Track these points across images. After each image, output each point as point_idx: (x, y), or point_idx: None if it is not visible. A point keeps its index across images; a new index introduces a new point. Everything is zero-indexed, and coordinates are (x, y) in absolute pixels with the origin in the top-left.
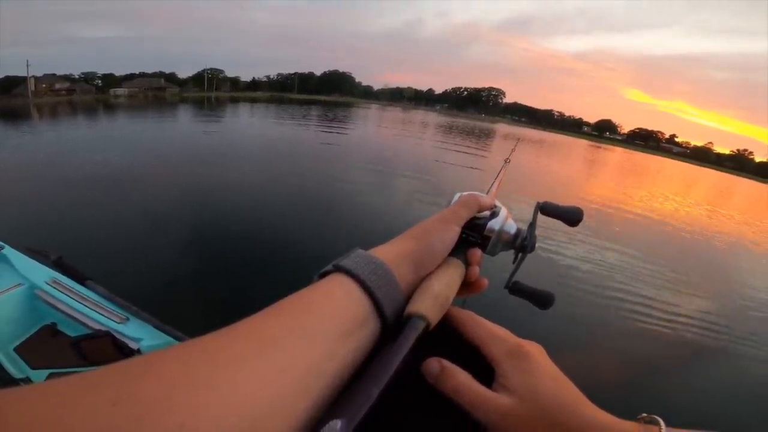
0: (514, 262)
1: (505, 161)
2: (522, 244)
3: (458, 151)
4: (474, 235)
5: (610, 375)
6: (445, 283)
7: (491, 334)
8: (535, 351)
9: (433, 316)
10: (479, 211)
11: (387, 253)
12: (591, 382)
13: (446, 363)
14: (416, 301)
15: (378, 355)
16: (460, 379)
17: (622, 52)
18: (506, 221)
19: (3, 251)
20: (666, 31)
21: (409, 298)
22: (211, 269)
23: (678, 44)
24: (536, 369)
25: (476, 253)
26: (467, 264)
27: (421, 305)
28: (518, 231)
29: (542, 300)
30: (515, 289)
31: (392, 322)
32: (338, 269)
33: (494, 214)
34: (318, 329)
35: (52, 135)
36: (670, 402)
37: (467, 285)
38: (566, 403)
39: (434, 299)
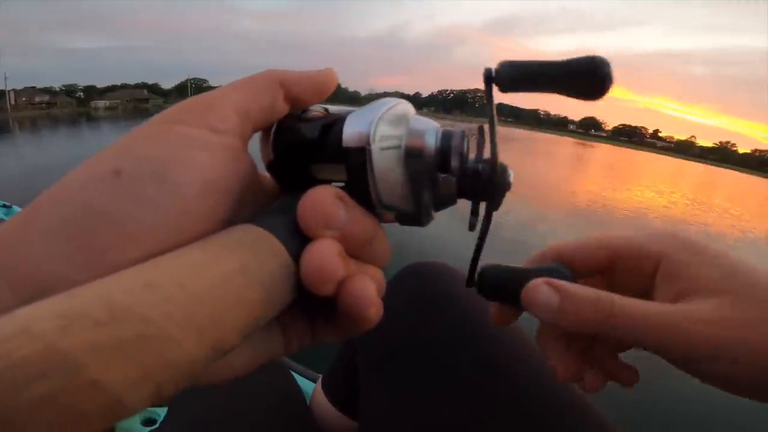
0: (472, 230)
1: None
2: (473, 173)
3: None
4: (309, 152)
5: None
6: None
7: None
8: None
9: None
10: (294, 101)
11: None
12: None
13: (560, 283)
14: None
15: None
16: (603, 299)
17: (604, 50)
18: (401, 114)
19: None
20: (647, 29)
21: None
22: None
23: (658, 41)
24: (735, 260)
25: (322, 197)
26: (291, 237)
27: None
28: (447, 138)
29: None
30: (490, 283)
31: None
32: None
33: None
34: None
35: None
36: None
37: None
38: None
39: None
